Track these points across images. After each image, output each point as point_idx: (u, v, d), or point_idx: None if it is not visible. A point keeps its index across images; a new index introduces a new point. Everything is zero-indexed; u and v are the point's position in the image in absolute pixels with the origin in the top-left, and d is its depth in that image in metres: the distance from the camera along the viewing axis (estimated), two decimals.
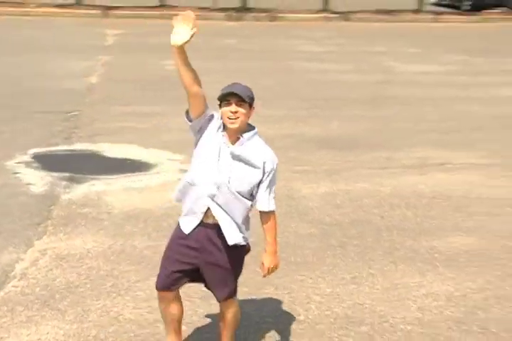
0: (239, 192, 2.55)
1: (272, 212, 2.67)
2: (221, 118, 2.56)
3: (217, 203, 2.55)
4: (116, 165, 5.86)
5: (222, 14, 15.43)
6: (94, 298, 3.53)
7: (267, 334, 3.25)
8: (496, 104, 9.06)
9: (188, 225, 2.64)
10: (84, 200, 4.96)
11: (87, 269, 3.88)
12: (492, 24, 17.65)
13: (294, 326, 3.33)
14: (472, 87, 10.13)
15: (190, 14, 2.40)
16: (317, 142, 6.92)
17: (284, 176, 4.92)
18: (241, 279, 2.86)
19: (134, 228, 4.50)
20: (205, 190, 2.55)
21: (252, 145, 2.60)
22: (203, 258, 2.64)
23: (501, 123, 7.96)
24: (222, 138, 2.57)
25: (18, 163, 5.82)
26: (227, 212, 2.55)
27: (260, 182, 2.60)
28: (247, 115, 2.55)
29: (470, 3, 18.52)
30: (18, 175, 5.51)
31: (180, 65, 2.47)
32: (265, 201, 2.63)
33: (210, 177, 2.54)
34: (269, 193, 2.64)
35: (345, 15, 15.73)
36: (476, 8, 18.24)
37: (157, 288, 2.77)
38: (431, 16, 17.67)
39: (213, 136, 2.57)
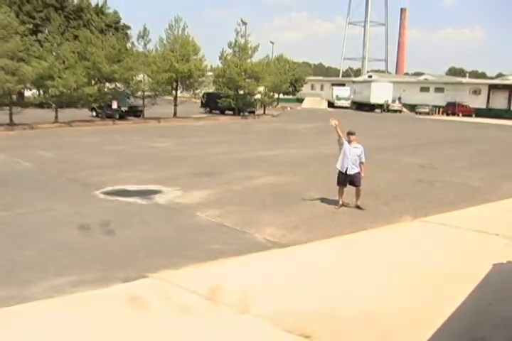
0: (356, 158, 9.38)
1: (363, 162, 9.91)
2: (347, 139, 9.39)
3: (350, 163, 9.32)
4: (142, 192, 10.27)
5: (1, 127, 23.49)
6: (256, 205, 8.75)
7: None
8: (210, 155, 16.26)
9: (342, 169, 9.41)
10: (169, 202, 9.50)
11: (223, 205, 8.85)
12: (131, 124, 28.88)
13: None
14: (190, 150, 17.38)
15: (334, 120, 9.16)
16: (191, 175, 12.50)
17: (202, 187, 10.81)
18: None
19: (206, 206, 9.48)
20: (346, 160, 9.28)
21: (357, 144, 9.70)
22: (348, 177, 9.34)
23: (236, 162, 15.18)
24: (348, 144, 9.31)
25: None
26: (353, 165, 9.33)
27: (361, 154, 9.47)
28: (355, 138, 9.69)
29: (118, 115, 29.86)
30: (117, 197, 9.69)
31: (339, 131, 9.22)
32: (363, 158, 9.83)
33: (347, 156, 9.27)
34: (364, 157, 9.79)
35: (69, 124, 26.23)
36: (120, 117, 29.77)
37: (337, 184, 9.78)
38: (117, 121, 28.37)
39: (346, 145, 9.27)
